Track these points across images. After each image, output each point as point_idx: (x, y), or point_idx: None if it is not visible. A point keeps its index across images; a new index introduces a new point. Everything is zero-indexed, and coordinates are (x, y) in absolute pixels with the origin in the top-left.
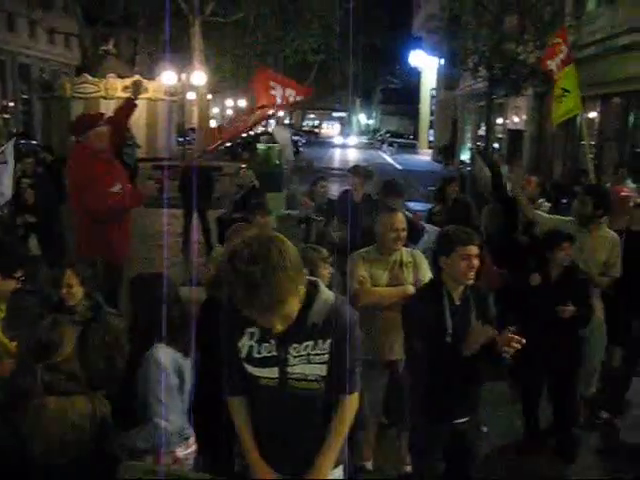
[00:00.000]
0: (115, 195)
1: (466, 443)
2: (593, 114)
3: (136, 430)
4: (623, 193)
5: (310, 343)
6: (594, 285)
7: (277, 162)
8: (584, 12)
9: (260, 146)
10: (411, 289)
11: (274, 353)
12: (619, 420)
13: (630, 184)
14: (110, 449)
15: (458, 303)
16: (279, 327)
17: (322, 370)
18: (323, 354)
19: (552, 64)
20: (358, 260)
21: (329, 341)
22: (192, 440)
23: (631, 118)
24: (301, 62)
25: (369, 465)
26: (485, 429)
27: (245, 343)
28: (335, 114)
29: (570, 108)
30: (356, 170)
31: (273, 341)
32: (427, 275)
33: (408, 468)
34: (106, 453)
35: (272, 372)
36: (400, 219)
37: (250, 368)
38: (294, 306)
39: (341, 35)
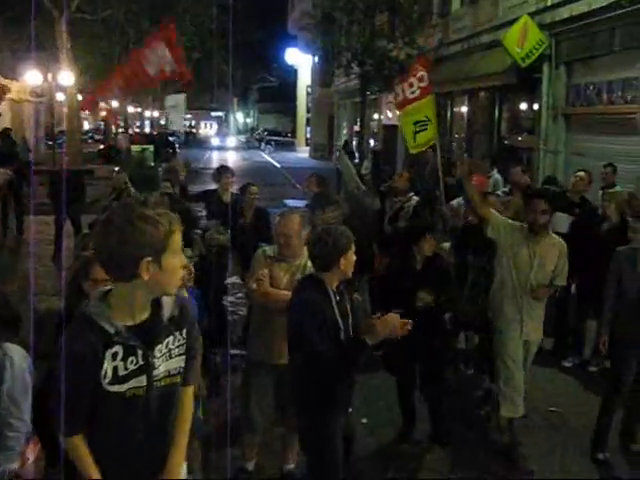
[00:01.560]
0: None
1: (349, 432)
2: (462, 108)
3: None
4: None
5: (170, 338)
6: (533, 297)
7: (152, 164)
8: (450, 11)
9: (134, 147)
10: None
11: (141, 362)
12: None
13: (496, 175)
14: None
15: (338, 298)
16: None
17: (182, 362)
18: (182, 345)
19: (399, 91)
20: (260, 259)
21: (184, 330)
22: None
23: (496, 112)
24: None
25: (250, 465)
26: (364, 420)
27: (108, 367)
28: (213, 113)
29: (430, 137)
30: (224, 170)
31: (140, 351)
32: None
33: (291, 466)
34: None
35: (139, 381)
36: (289, 224)
37: (116, 387)
38: None
39: (215, 33)
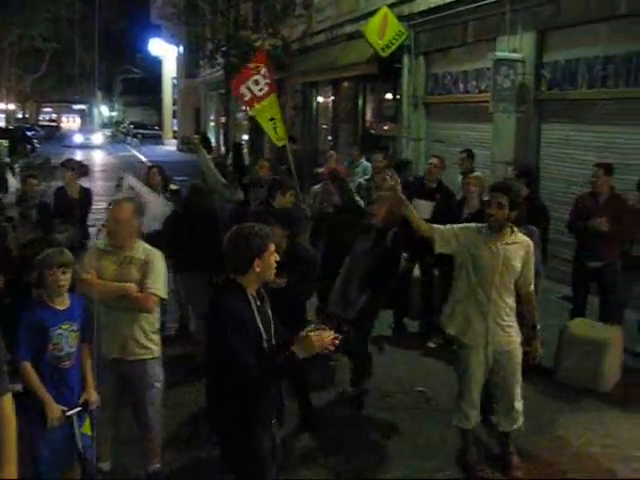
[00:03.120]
0: None
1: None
2: (327, 98)
3: None
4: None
5: None
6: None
7: (6, 160)
8: (313, 2)
9: None
10: (133, 288)
11: None
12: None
13: (364, 162)
14: None
15: (258, 303)
16: None
17: None
18: None
19: (244, 89)
20: (91, 250)
21: None
22: None
23: (360, 101)
24: (32, 49)
25: (106, 466)
26: None
27: None
28: (75, 106)
29: (282, 136)
30: (69, 164)
31: None
32: (159, 279)
33: (156, 466)
34: None
35: None
36: (121, 211)
37: None
38: None
39: (74, 22)
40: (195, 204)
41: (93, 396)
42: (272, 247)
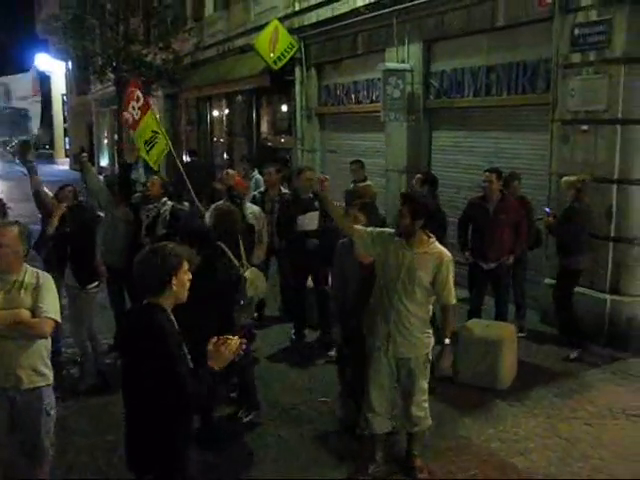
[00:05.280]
0: None
1: None
2: (221, 112)
3: None
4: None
5: None
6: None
7: None
8: (204, 15)
9: None
10: (25, 314)
11: None
12: None
13: (257, 175)
14: None
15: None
16: None
17: None
18: None
19: (128, 114)
20: None
21: None
22: None
23: (254, 114)
24: None
25: None
26: None
27: None
28: None
29: (163, 148)
30: None
31: None
32: (52, 302)
33: None
34: None
35: None
36: (7, 234)
37: None
38: None
39: None
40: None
41: None
42: (186, 266)
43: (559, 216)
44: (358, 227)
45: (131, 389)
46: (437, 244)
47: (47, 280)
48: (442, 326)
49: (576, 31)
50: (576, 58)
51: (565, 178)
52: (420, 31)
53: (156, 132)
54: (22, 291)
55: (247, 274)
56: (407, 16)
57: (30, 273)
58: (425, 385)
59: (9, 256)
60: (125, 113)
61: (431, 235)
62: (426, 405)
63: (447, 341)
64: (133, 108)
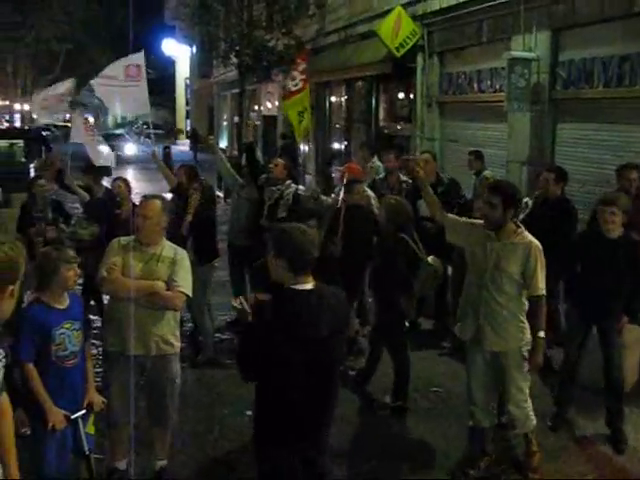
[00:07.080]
0: None
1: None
2: (340, 98)
3: None
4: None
5: None
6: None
7: (22, 160)
8: (326, 2)
9: (1, 142)
10: (160, 286)
11: None
12: None
13: (377, 162)
14: None
15: None
16: None
17: None
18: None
19: (290, 84)
20: (113, 247)
21: None
22: None
23: (374, 101)
24: (47, 51)
25: (122, 465)
26: None
27: None
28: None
29: (306, 126)
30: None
31: None
32: (186, 277)
33: (163, 462)
34: None
35: None
36: (149, 207)
37: None
38: (6, 306)
39: (87, 23)
40: None
41: (96, 397)
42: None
43: None
44: (450, 215)
45: (321, 368)
46: (526, 233)
47: (183, 256)
48: (532, 319)
49: None
50: None
51: None
52: (548, 19)
53: (305, 109)
54: (159, 264)
55: (430, 260)
56: (535, 3)
57: (168, 247)
58: (522, 384)
59: (152, 227)
60: (286, 81)
61: (520, 225)
62: (526, 405)
63: (541, 334)
64: (293, 78)
